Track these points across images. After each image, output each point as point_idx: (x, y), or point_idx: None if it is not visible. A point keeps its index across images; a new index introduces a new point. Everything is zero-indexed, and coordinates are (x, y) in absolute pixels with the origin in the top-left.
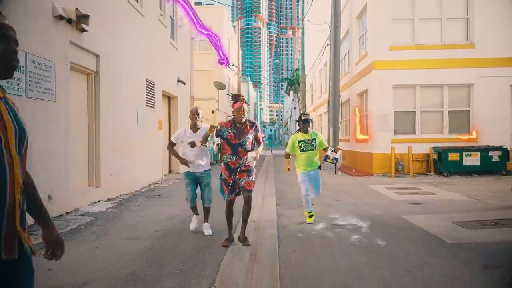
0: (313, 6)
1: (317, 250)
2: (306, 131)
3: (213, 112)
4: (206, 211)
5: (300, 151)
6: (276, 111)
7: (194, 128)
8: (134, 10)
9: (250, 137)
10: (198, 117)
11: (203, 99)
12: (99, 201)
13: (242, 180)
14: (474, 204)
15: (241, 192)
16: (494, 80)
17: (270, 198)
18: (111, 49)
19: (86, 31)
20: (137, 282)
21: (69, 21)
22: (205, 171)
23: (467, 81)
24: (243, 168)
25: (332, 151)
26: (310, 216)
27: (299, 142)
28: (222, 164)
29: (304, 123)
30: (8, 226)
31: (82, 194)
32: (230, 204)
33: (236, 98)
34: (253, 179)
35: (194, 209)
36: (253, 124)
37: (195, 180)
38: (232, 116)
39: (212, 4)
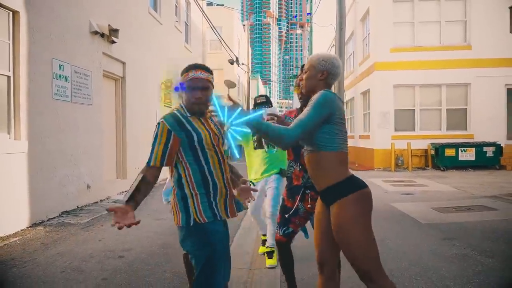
0: (321, 6)
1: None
2: None
3: None
4: None
5: (255, 148)
6: (286, 107)
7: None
8: (153, 19)
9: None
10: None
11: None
12: (126, 191)
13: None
14: (458, 194)
15: None
16: (490, 80)
17: None
18: (135, 56)
19: (115, 42)
20: (168, 248)
21: (102, 35)
22: None
23: (464, 80)
24: (314, 195)
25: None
26: (269, 253)
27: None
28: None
29: (260, 108)
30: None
31: (112, 184)
32: (282, 249)
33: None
34: None
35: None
36: None
37: None
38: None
39: (223, 5)
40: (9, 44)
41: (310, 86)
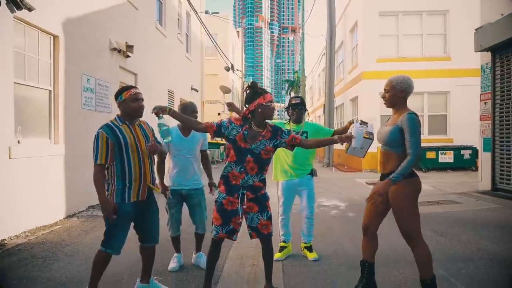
0: (312, 15)
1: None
2: (298, 121)
3: (219, 114)
4: (200, 238)
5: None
6: (278, 110)
7: (185, 130)
8: (160, 33)
9: (267, 145)
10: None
11: (209, 101)
12: None
13: (253, 218)
14: (434, 191)
15: (252, 235)
16: (468, 88)
17: (273, 184)
18: (144, 68)
19: (129, 57)
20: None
21: (119, 51)
22: (196, 189)
23: (444, 89)
24: (250, 195)
25: (362, 124)
26: (281, 249)
27: None
28: (220, 179)
29: (294, 109)
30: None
31: None
32: (216, 245)
33: (257, 88)
34: (269, 212)
35: (176, 241)
36: (275, 129)
37: (181, 200)
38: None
39: (218, 13)
40: (50, 63)
41: (392, 102)
